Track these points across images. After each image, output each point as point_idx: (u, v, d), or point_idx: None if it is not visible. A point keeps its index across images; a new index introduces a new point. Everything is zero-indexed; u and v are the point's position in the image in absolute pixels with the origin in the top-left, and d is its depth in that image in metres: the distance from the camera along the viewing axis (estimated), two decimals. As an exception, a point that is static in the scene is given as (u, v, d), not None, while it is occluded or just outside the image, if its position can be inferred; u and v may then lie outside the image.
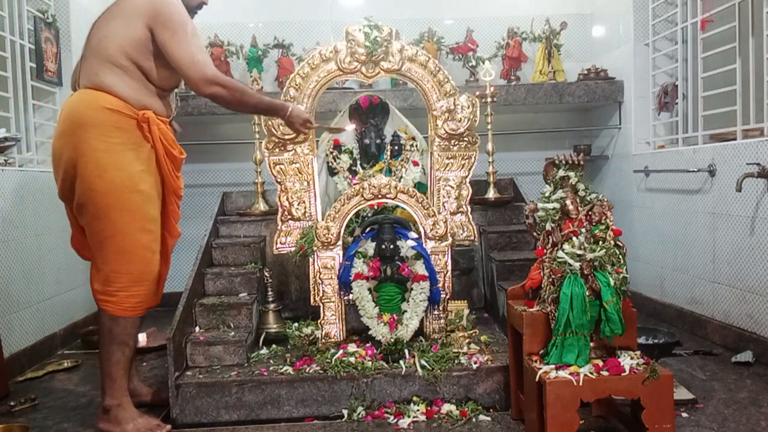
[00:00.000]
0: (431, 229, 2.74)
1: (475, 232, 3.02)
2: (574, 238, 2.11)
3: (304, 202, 2.94)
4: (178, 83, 2.47)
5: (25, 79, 3.60)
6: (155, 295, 2.43)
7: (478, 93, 3.28)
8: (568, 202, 2.16)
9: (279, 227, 2.94)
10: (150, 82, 2.34)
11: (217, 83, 2.30)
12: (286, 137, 2.88)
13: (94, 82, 2.28)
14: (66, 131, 2.28)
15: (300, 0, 4.82)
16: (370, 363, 2.54)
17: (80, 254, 2.51)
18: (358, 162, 3.30)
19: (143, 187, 2.30)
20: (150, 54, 2.30)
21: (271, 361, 2.72)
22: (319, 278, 2.75)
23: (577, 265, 2.07)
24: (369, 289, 2.70)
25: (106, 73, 2.27)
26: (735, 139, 3.22)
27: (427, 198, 2.78)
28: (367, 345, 2.66)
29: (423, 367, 2.53)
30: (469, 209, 3.01)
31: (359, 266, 2.69)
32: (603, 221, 2.16)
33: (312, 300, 2.82)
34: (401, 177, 3.22)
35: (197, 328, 2.85)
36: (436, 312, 2.76)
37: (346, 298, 2.75)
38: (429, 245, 2.74)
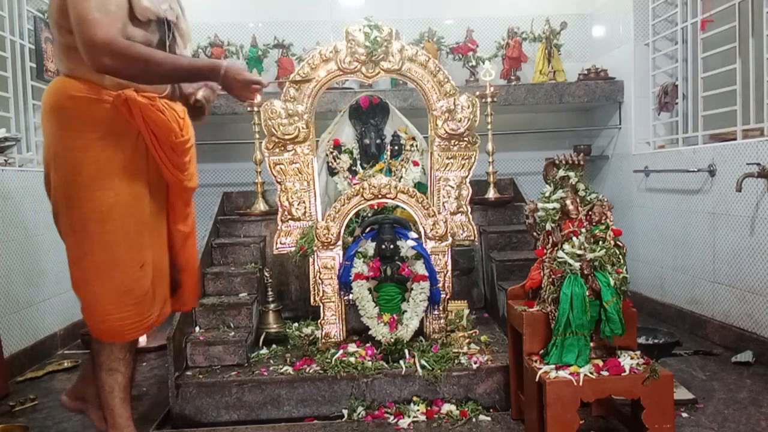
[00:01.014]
0: (431, 229, 2.74)
1: (475, 232, 3.02)
2: (574, 238, 2.11)
3: (304, 202, 2.94)
4: (155, 44, 1.98)
5: (25, 79, 3.60)
6: (162, 310, 2.11)
7: (478, 93, 3.28)
8: (568, 202, 2.16)
9: (279, 227, 2.94)
10: None
11: (110, 52, 1.78)
12: (287, 137, 2.88)
13: (61, 66, 1.95)
14: (43, 127, 1.97)
15: (300, 0, 4.82)
16: (370, 363, 2.54)
17: None
18: (358, 162, 3.30)
19: (127, 188, 1.94)
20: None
21: (271, 361, 2.72)
22: (319, 278, 2.75)
23: (577, 265, 2.07)
24: (369, 289, 2.70)
25: (70, 54, 1.89)
26: (735, 139, 3.22)
27: (427, 198, 2.78)
28: (367, 345, 2.66)
29: (423, 367, 2.53)
30: (469, 209, 3.01)
31: (359, 266, 2.69)
32: (603, 221, 2.16)
33: (312, 300, 2.82)
34: (401, 177, 3.22)
35: (197, 328, 2.85)
36: (436, 312, 2.76)
37: (346, 298, 2.75)
38: (429, 245, 2.74)
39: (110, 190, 1.92)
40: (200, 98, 2.13)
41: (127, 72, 1.86)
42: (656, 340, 2.79)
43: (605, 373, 2.00)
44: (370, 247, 2.74)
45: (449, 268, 2.79)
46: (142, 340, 3.66)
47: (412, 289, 2.69)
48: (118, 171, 1.93)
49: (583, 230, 2.14)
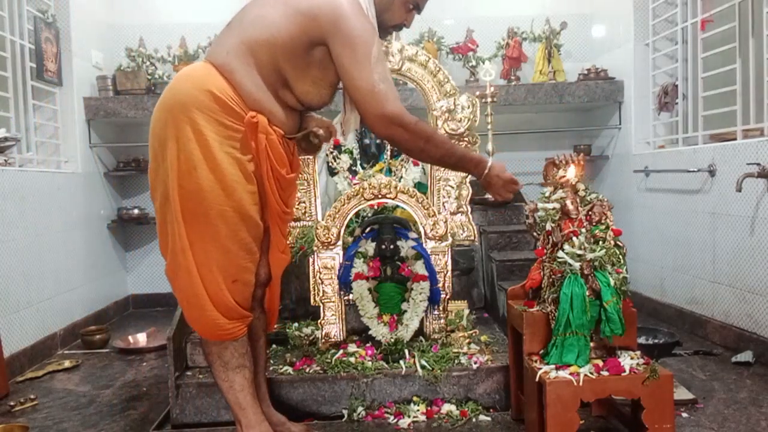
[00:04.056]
0: (431, 229, 2.74)
1: (475, 232, 3.02)
2: (574, 238, 2.11)
3: (304, 202, 2.94)
4: (319, 105, 2.04)
5: (25, 79, 3.60)
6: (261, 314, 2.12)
7: (478, 93, 3.28)
8: (568, 202, 2.16)
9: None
10: (284, 88, 1.93)
11: (399, 124, 1.87)
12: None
13: (218, 58, 1.88)
14: (164, 106, 1.89)
15: (300, 0, 4.81)
16: (370, 363, 2.54)
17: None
18: (358, 162, 3.30)
19: (237, 202, 1.88)
20: (300, 61, 1.89)
21: (271, 361, 2.72)
22: (319, 278, 2.75)
23: (577, 265, 2.07)
24: (369, 289, 2.70)
25: (239, 55, 1.85)
26: (735, 139, 3.22)
27: (427, 198, 2.78)
28: (367, 345, 2.66)
29: (423, 367, 2.53)
30: (469, 209, 3.01)
31: (359, 266, 2.69)
32: (603, 221, 2.16)
33: (312, 300, 2.82)
34: (401, 177, 3.22)
35: (197, 328, 2.85)
36: (436, 312, 2.76)
37: (346, 298, 2.75)
38: (429, 245, 2.74)
39: (221, 198, 1.86)
40: (321, 134, 2.10)
41: (407, 145, 1.95)
42: (656, 340, 2.79)
43: (605, 373, 2.00)
44: (370, 247, 2.74)
45: (449, 268, 2.79)
46: (143, 340, 3.66)
47: (412, 289, 2.69)
48: (234, 181, 1.87)
49: (583, 230, 2.14)
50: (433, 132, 1.98)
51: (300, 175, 2.92)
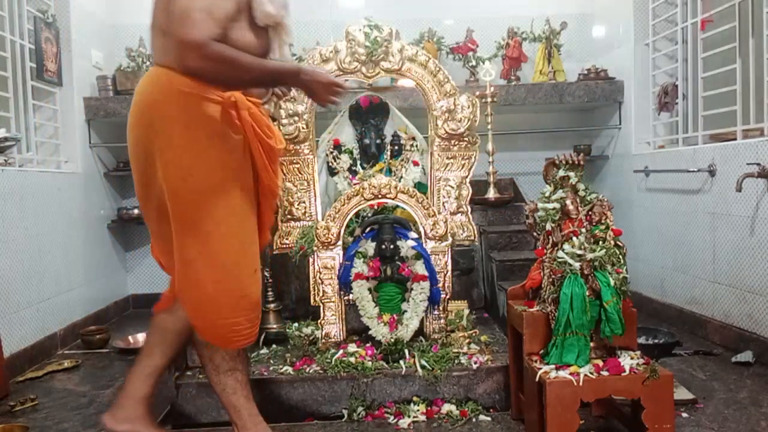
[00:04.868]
0: (431, 229, 2.74)
1: (475, 232, 3.02)
2: (574, 238, 2.11)
3: (304, 202, 2.94)
4: (265, 51, 1.94)
5: (25, 79, 3.60)
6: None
7: (478, 93, 3.28)
8: (568, 202, 2.16)
9: (279, 227, 2.94)
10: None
11: (202, 54, 1.73)
12: (287, 137, 2.87)
13: (164, 59, 1.84)
14: (139, 122, 1.87)
15: (300, 0, 4.81)
16: (370, 363, 2.54)
17: (161, 264, 2.05)
18: (358, 162, 3.30)
19: (240, 191, 1.88)
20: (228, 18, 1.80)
21: (271, 361, 2.72)
22: (319, 278, 2.75)
23: (577, 265, 2.07)
24: (369, 289, 2.70)
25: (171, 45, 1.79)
26: (735, 139, 3.22)
27: (427, 198, 2.78)
28: (367, 345, 2.66)
29: (423, 367, 2.53)
30: (469, 209, 3.01)
31: (359, 266, 2.69)
32: (603, 221, 2.16)
33: (312, 300, 2.82)
34: (401, 177, 3.22)
35: (197, 328, 2.85)
36: (436, 312, 2.76)
37: (346, 298, 2.75)
38: (429, 245, 2.74)
39: (222, 193, 1.85)
40: (280, 92, 2.15)
41: (213, 76, 1.80)
42: (656, 340, 2.79)
43: (605, 373, 2.00)
44: (370, 247, 2.74)
45: (449, 268, 2.79)
46: (142, 340, 3.66)
47: (412, 289, 2.69)
48: (231, 173, 1.87)
49: (583, 230, 2.14)
50: (238, 55, 1.80)
51: (300, 175, 2.93)
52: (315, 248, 2.75)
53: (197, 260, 1.86)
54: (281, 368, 2.60)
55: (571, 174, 2.24)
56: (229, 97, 1.83)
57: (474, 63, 4.64)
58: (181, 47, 1.73)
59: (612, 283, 2.06)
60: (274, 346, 2.92)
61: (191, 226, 1.84)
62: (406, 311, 2.67)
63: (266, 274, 3.08)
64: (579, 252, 2.08)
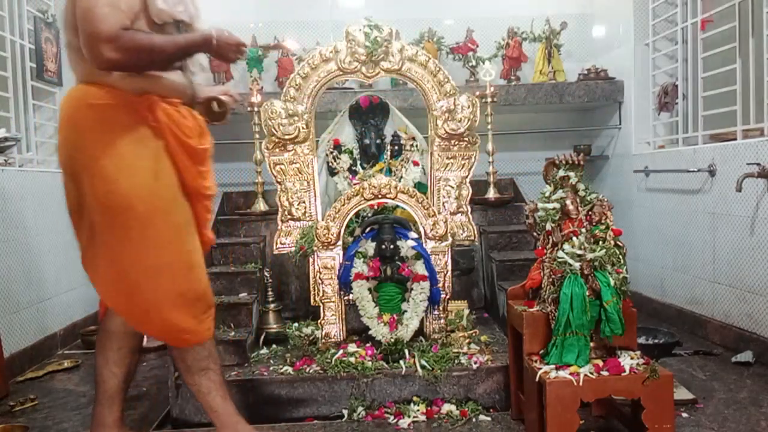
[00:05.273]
0: (431, 229, 2.74)
1: (475, 232, 3.02)
2: (574, 238, 2.11)
3: (304, 202, 2.94)
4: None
5: (25, 79, 3.60)
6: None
7: (478, 93, 3.28)
8: (568, 202, 2.16)
9: (279, 227, 2.94)
10: None
11: (116, 47, 1.73)
12: (287, 137, 2.88)
13: (78, 74, 1.90)
14: (63, 143, 1.92)
15: (300, 0, 4.82)
16: (370, 363, 2.54)
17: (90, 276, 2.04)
18: (358, 162, 3.30)
19: (162, 191, 1.90)
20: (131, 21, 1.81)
21: (271, 361, 2.72)
22: (319, 278, 2.75)
23: (577, 265, 2.07)
24: (369, 289, 2.70)
25: (80, 58, 1.83)
26: (735, 139, 3.22)
27: (427, 198, 2.78)
28: (367, 345, 2.66)
29: (423, 367, 2.53)
30: (469, 209, 3.01)
31: (359, 266, 2.69)
32: (603, 221, 2.16)
33: (312, 300, 2.82)
34: (401, 177, 3.22)
35: (197, 328, 2.85)
36: (436, 312, 2.76)
37: (346, 298, 2.75)
38: (429, 245, 2.74)
39: (147, 196, 1.86)
40: (225, 100, 2.17)
41: (132, 64, 1.80)
42: (656, 340, 2.79)
43: (605, 373, 2.00)
44: (370, 247, 2.74)
45: (449, 268, 2.79)
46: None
47: (412, 289, 2.69)
48: (151, 175, 1.88)
49: (583, 230, 2.14)
50: (150, 38, 1.82)
51: (300, 175, 2.92)
52: (315, 248, 2.75)
53: (131, 268, 1.87)
54: (281, 368, 2.60)
55: (571, 174, 2.24)
56: (143, 101, 1.86)
57: (474, 63, 4.64)
58: (94, 44, 1.73)
59: (612, 283, 2.06)
60: (274, 346, 2.92)
61: (121, 236, 1.86)
62: (406, 311, 2.67)
63: (266, 274, 3.08)
64: (579, 252, 2.08)
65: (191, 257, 1.96)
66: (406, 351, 2.62)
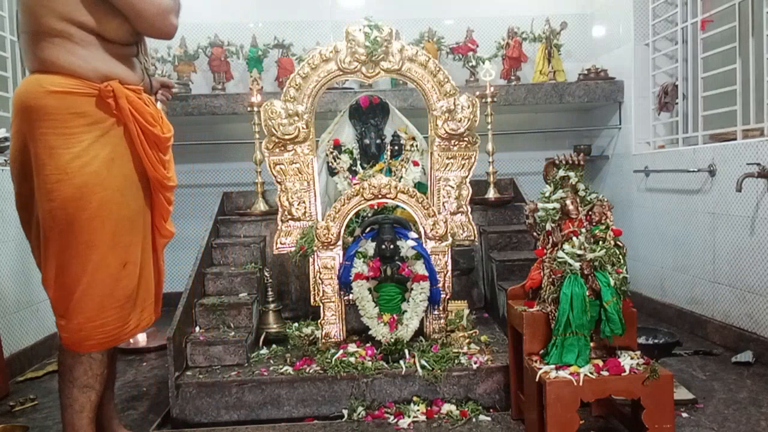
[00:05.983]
0: (431, 229, 2.74)
1: (475, 232, 3.02)
2: (574, 238, 2.11)
3: (304, 202, 2.93)
4: (132, 35, 1.93)
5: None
6: (141, 316, 1.99)
7: (478, 93, 3.28)
8: (568, 202, 2.16)
9: (279, 227, 2.94)
10: (104, 40, 1.84)
11: (177, 8, 1.94)
12: (287, 137, 2.88)
13: (33, 63, 1.83)
14: (16, 133, 1.84)
15: (300, 0, 4.82)
16: (370, 363, 2.54)
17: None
18: (358, 162, 3.30)
19: (114, 180, 1.85)
20: (91, 3, 1.80)
21: (271, 361, 2.73)
22: (319, 278, 2.75)
23: (577, 265, 2.07)
24: (369, 289, 2.70)
25: (44, 47, 1.79)
26: (735, 139, 3.22)
27: (427, 198, 2.78)
28: (367, 345, 2.66)
29: (423, 367, 2.53)
30: (469, 209, 3.01)
31: (359, 266, 2.69)
32: (603, 221, 2.16)
33: (312, 300, 2.82)
34: (401, 177, 3.22)
35: (197, 328, 2.85)
36: (436, 312, 2.76)
37: (346, 298, 2.75)
38: (429, 245, 2.74)
39: (97, 185, 1.81)
40: (160, 99, 2.18)
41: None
42: (656, 340, 2.79)
43: (605, 373, 2.00)
44: (370, 247, 2.74)
45: (449, 268, 2.79)
46: (143, 340, 3.66)
47: (412, 289, 2.69)
48: (105, 165, 1.83)
49: (583, 230, 2.14)
50: None
51: (300, 175, 2.92)
52: (315, 248, 2.75)
53: (72, 261, 1.82)
54: (281, 368, 2.60)
55: (571, 174, 2.24)
56: (106, 86, 1.82)
57: (474, 63, 4.65)
58: (164, 17, 1.87)
59: (612, 283, 2.06)
60: (274, 346, 2.92)
61: (66, 227, 1.80)
62: (406, 311, 2.67)
63: (266, 274, 3.08)
64: (579, 252, 2.09)
65: (126, 254, 1.89)
66: (406, 351, 2.62)
